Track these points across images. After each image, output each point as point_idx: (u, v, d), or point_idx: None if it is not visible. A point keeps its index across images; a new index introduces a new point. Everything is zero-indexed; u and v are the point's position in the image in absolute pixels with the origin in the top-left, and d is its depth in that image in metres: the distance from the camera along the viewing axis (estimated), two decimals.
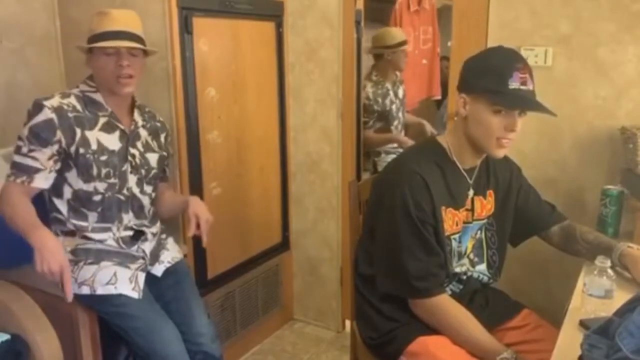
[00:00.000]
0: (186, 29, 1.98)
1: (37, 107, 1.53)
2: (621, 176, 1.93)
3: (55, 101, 1.55)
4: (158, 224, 1.82)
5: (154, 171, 1.76)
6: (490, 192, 1.56)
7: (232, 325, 2.42)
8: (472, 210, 1.51)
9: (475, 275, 1.57)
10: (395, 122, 3.28)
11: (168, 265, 1.76)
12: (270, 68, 2.47)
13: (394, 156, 2.11)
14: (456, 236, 1.49)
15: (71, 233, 1.64)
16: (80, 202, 1.62)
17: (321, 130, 2.57)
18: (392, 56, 3.16)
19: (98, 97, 1.64)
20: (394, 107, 3.24)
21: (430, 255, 1.40)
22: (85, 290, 1.57)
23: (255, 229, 2.49)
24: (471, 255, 1.56)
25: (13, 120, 1.73)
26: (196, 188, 2.10)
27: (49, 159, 1.54)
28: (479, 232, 1.56)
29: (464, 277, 1.54)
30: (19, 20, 2.07)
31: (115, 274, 1.60)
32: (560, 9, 2.04)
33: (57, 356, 1.59)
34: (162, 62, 1.95)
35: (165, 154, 1.82)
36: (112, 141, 1.64)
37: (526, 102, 1.34)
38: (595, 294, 1.23)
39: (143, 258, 1.70)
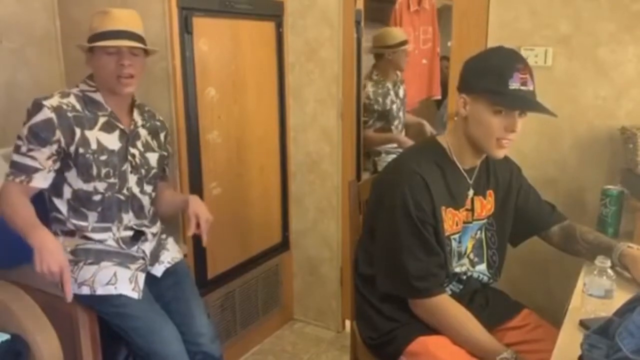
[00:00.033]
0: (186, 28, 1.98)
1: (37, 106, 1.53)
2: (621, 176, 1.93)
3: (54, 101, 1.55)
4: (158, 223, 1.82)
5: (154, 171, 1.75)
6: (490, 192, 1.56)
7: (232, 325, 2.42)
8: (472, 210, 1.51)
9: (475, 275, 1.57)
10: (396, 122, 3.28)
11: (168, 265, 1.76)
12: (270, 68, 2.47)
13: (394, 156, 2.11)
14: (456, 236, 1.49)
15: (71, 233, 1.64)
16: (80, 202, 1.62)
17: (321, 130, 2.57)
18: (392, 56, 3.16)
19: (98, 96, 1.63)
20: (394, 106, 3.24)
21: (430, 255, 1.40)
22: (85, 290, 1.57)
23: (255, 229, 2.49)
24: (471, 255, 1.56)
25: (13, 120, 1.73)
26: (196, 188, 2.10)
27: (48, 158, 1.54)
28: (479, 232, 1.56)
29: (464, 277, 1.54)
30: (19, 20, 2.07)
31: (115, 274, 1.60)
32: (560, 9, 2.04)
33: (57, 356, 1.59)
34: (162, 62, 1.95)
35: (165, 153, 1.82)
36: (112, 141, 1.64)
37: (526, 103, 1.34)
38: (595, 294, 1.23)
39: (143, 258, 1.70)
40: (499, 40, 2.07)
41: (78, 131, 1.57)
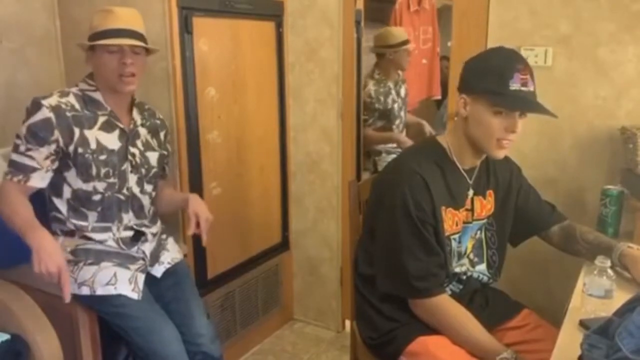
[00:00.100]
0: (186, 28, 1.98)
1: (36, 105, 1.53)
2: (621, 176, 1.93)
3: (53, 100, 1.55)
4: (158, 223, 1.82)
5: (154, 170, 1.75)
6: (490, 192, 1.56)
7: (232, 325, 2.42)
8: (471, 210, 1.51)
9: (475, 275, 1.57)
10: (397, 121, 3.28)
11: (168, 266, 1.76)
12: (270, 68, 2.47)
13: (394, 156, 2.11)
14: (456, 236, 1.49)
15: (71, 233, 1.64)
16: (80, 202, 1.62)
17: (321, 130, 2.57)
18: (394, 55, 3.16)
19: (97, 95, 1.63)
20: (395, 105, 3.24)
21: (430, 255, 1.40)
22: (85, 290, 1.57)
23: (255, 229, 2.49)
24: (471, 255, 1.56)
25: (13, 119, 1.73)
26: (196, 188, 2.10)
27: (46, 158, 1.54)
28: (478, 232, 1.56)
29: (464, 277, 1.54)
30: (19, 20, 2.07)
31: (115, 275, 1.60)
32: (560, 9, 2.04)
33: (57, 356, 1.59)
34: (162, 62, 1.95)
35: (165, 152, 1.82)
36: (112, 140, 1.64)
37: (527, 104, 1.34)
38: (595, 294, 1.23)
39: (143, 259, 1.70)
40: (499, 40, 2.07)
41: (77, 131, 1.56)
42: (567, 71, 2.08)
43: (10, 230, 1.50)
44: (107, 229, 1.65)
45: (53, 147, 1.53)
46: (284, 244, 2.70)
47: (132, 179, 1.69)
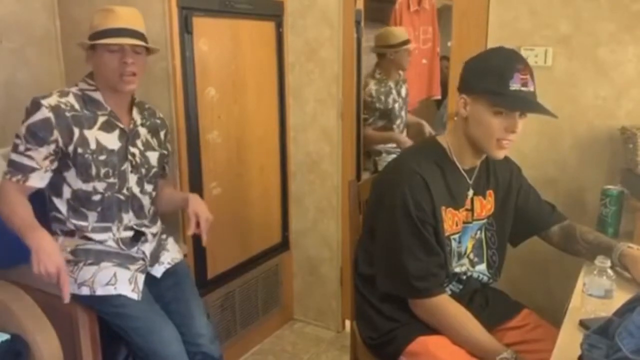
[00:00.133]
0: (186, 28, 1.98)
1: (35, 105, 1.53)
2: (621, 176, 1.93)
3: (53, 100, 1.55)
4: (158, 223, 1.82)
5: (154, 170, 1.75)
6: (490, 192, 1.56)
7: (232, 325, 2.42)
8: (471, 210, 1.51)
9: (475, 275, 1.57)
10: (398, 121, 3.28)
11: (168, 266, 1.76)
12: (270, 68, 2.47)
13: (394, 156, 2.11)
14: (456, 236, 1.49)
15: (71, 233, 1.64)
16: (80, 202, 1.62)
17: (321, 130, 2.57)
18: (394, 55, 3.16)
19: (97, 95, 1.63)
20: (396, 105, 3.24)
21: (430, 255, 1.40)
22: (85, 290, 1.57)
23: (255, 228, 2.49)
24: (471, 255, 1.56)
25: (13, 119, 1.73)
26: (196, 188, 2.10)
27: (45, 158, 1.54)
28: (478, 232, 1.56)
29: (464, 277, 1.54)
30: (19, 20, 2.07)
31: (115, 275, 1.60)
32: (560, 9, 2.04)
33: (57, 356, 1.59)
34: (162, 62, 1.95)
35: (165, 152, 1.82)
36: (112, 140, 1.63)
37: (527, 104, 1.34)
38: (595, 294, 1.23)
39: (143, 259, 1.70)
40: (499, 40, 2.07)
41: (76, 131, 1.56)
42: (567, 71, 2.08)
43: (10, 230, 1.50)
44: (107, 229, 1.65)
45: (52, 147, 1.53)
46: (284, 244, 2.70)
47: (132, 179, 1.69)
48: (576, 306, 1.29)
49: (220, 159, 2.23)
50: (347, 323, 2.71)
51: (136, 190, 1.70)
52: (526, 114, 1.36)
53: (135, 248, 1.69)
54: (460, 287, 1.53)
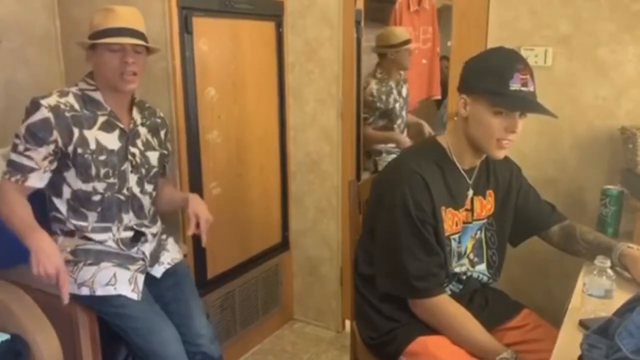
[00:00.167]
0: (186, 28, 1.97)
1: (34, 105, 1.53)
2: (621, 176, 1.93)
3: (52, 100, 1.55)
4: (158, 223, 1.81)
5: (154, 170, 1.75)
6: (490, 192, 1.55)
7: (232, 325, 2.42)
8: (471, 210, 1.51)
9: (475, 275, 1.57)
10: (399, 121, 3.29)
11: (168, 266, 1.76)
12: (270, 68, 2.47)
13: (394, 156, 2.11)
14: (456, 236, 1.49)
15: (71, 233, 1.64)
16: (80, 202, 1.62)
17: (321, 130, 2.57)
18: (395, 55, 3.17)
19: (97, 95, 1.63)
20: (397, 105, 3.25)
21: (430, 255, 1.40)
22: (85, 291, 1.57)
23: (255, 228, 2.49)
24: (471, 255, 1.56)
25: (13, 119, 1.73)
26: (196, 188, 2.10)
27: (44, 158, 1.53)
28: (478, 232, 1.56)
29: (464, 277, 1.54)
30: (19, 20, 2.06)
31: (114, 275, 1.60)
32: (560, 9, 2.04)
33: (57, 356, 1.59)
34: (162, 61, 1.95)
35: (165, 152, 1.81)
36: (112, 140, 1.63)
37: (527, 104, 1.34)
38: (595, 294, 1.23)
39: (143, 260, 1.69)
40: (499, 40, 2.07)
41: (76, 131, 1.56)
42: (567, 71, 2.08)
43: (9, 230, 1.50)
44: (107, 229, 1.65)
45: (52, 147, 1.53)
46: (283, 244, 2.70)
47: (132, 179, 1.69)
48: (576, 306, 1.29)
49: (220, 159, 2.23)
50: (347, 323, 2.71)
51: (136, 190, 1.70)
52: (526, 114, 1.36)
53: (135, 248, 1.69)
54: (460, 287, 1.53)
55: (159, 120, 1.81)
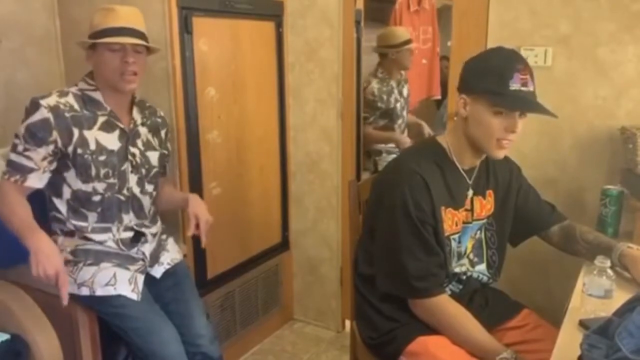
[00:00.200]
0: (186, 28, 1.97)
1: (34, 105, 1.52)
2: (621, 176, 1.93)
3: (52, 100, 1.54)
4: (158, 223, 1.81)
5: (155, 170, 1.75)
6: (489, 192, 1.55)
7: (232, 325, 2.42)
8: (471, 210, 1.51)
9: (474, 275, 1.57)
10: (399, 121, 3.29)
11: (168, 267, 1.76)
12: (270, 68, 2.47)
13: (394, 156, 2.11)
14: (456, 236, 1.49)
15: (71, 233, 1.64)
16: (80, 203, 1.61)
17: (321, 130, 2.57)
18: (396, 55, 3.17)
19: (97, 95, 1.62)
20: (398, 105, 3.25)
21: (430, 255, 1.40)
22: (85, 291, 1.57)
23: (255, 228, 2.49)
24: (471, 255, 1.56)
25: (13, 119, 1.73)
26: (196, 188, 2.10)
27: (44, 159, 1.53)
28: (478, 232, 1.56)
29: (464, 277, 1.54)
30: (19, 20, 2.06)
31: (114, 275, 1.60)
32: (560, 9, 2.04)
33: (57, 356, 1.59)
34: (162, 61, 1.95)
35: (165, 152, 1.81)
36: (112, 141, 1.63)
37: (527, 104, 1.34)
38: (594, 294, 1.23)
39: (143, 260, 1.69)
40: (499, 40, 2.07)
41: (76, 131, 1.56)
42: (567, 71, 2.08)
43: (9, 230, 1.50)
44: (107, 230, 1.65)
45: (51, 147, 1.53)
46: (283, 244, 2.70)
47: (133, 179, 1.68)
48: (576, 306, 1.29)
49: (220, 159, 2.23)
50: (347, 323, 2.71)
51: (136, 190, 1.70)
52: (526, 114, 1.36)
53: (135, 249, 1.69)
54: (460, 287, 1.53)
55: (159, 120, 1.80)
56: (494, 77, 1.33)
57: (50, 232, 1.61)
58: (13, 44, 2.05)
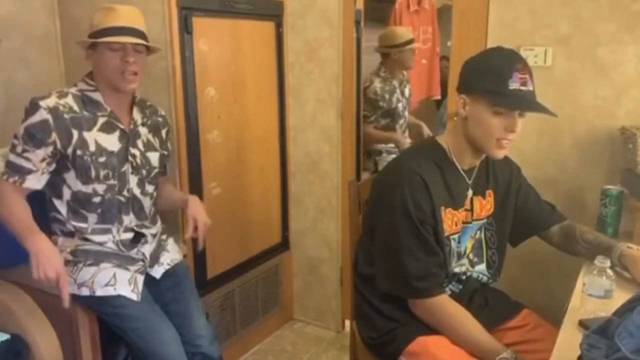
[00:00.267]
0: (186, 28, 1.97)
1: (33, 106, 1.52)
2: (621, 176, 1.93)
3: (51, 101, 1.53)
4: (158, 224, 1.81)
5: (155, 170, 1.75)
6: (489, 192, 1.55)
7: (232, 325, 2.42)
8: (471, 210, 1.51)
9: (474, 275, 1.57)
10: (401, 121, 3.29)
11: (167, 267, 1.76)
12: (270, 68, 2.47)
13: (395, 156, 2.11)
14: (455, 236, 1.49)
15: (71, 234, 1.64)
16: (80, 204, 1.61)
17: (321, 130, 2.57)
18: (399, 55, 3.17)
19: (97, 96, 1.62)
20: (400, 105, 3.25)
21: (429, 255, 1.40)
22: (85, 291, 1.57)
23: (255, 229, 2.49)
24: (470, 255, 1.56)
25: (12, 119, 1.73)
26: (196, 188, 2.10)
27: (42, 160, 1.53)
28: (478, 232, 1.56)
29: (464, 277, 1.54)
30: (19, 20, 2.06)
31: (114, 276, 1.60)
32: (560, 9, 2.04)
33: (57, 356, 1.59)
34: (162, 61, 1.95)
35: (165, 152, 1.81)
36: (112, 142, 1.63)
37: (526, 103, 1.34)
38: (594, 294, 1.23)
39: (142, 260, 1.69)
40: (499, 40, 2.07)
41: (75, 133, 1.55)
42: (567, 71, 2.07)
43: (8, 230, 1.50)
44: (107, 231, 1.65)
45: (50, 149, 1.52)
46: (283, 244, 2.70)
47: (133, 180, 1.68)
48: (576, 306, 1.29)
49: (220, 159, 2.23)
50: (347, 323, 2.71)
51: (137, 191, 1.70)
52: (525, 114, 1.36)
53: (135, 249, 1.69)
54: (460, 287, 1.53)
55: (160, 119, 1.80)
56: (493, 77, 1.33)
57: (50, 233, 1.61)
58: (13, 44, 2.05)
